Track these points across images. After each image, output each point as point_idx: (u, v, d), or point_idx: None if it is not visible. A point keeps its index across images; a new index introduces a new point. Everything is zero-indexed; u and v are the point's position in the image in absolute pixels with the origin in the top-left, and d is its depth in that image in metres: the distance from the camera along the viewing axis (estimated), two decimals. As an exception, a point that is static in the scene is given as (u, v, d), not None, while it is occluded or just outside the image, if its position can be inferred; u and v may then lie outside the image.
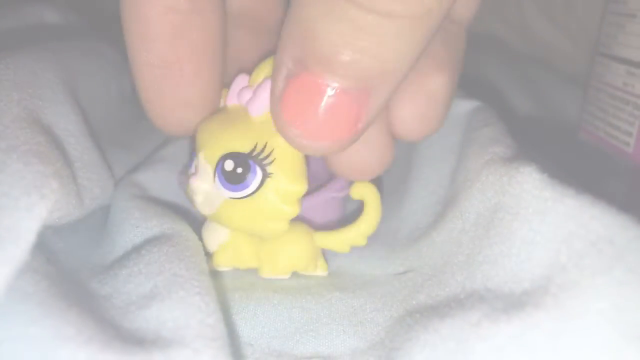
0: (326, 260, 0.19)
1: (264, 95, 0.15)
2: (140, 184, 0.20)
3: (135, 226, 0.17)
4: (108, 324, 0.12)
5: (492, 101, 0.21)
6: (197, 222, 0.19)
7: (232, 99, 0.17)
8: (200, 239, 0.17)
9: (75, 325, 0.11)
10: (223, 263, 0.18)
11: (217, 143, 0.16)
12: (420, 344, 0.13)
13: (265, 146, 0.16)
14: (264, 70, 0.16)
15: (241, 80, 0.17)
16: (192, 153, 0.17)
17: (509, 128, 0.19)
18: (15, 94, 0.17)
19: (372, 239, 0.19)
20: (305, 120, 0.14)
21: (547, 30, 0.33)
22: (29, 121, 0.16)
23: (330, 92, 0.13)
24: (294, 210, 0.16)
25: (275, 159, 0.16)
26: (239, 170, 0.16)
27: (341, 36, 0.12)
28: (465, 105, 0.21)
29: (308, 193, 0.17)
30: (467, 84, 0.21)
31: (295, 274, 0.18)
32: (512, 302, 0.13)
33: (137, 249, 0.16)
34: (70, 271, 0.15)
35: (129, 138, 0.23)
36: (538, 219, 0.14)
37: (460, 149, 0.20)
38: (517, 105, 0.30)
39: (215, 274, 0.18)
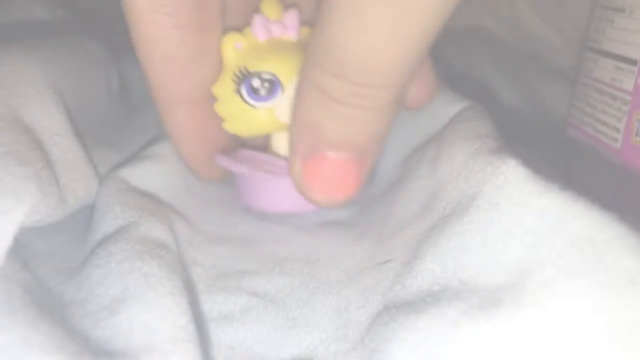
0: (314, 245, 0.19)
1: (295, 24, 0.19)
2: (125, 180, 0.19)
3: (114, 218, 0.17)
4: (79, 334, 0.12)
5: (481, 96, 0.21)
6: (180, 218, 0.18)
7: (265, 34, 0.19)
8: (180, 234, 0.17)
9: (45, 334, 0.11)
10: None
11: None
12: (398, 343, 0.13)
13: None
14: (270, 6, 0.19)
15: (261, 19, 0.19)
16: (274, 86, 0.18)
17: (497, 122, 0.19)
18: (-4, 92, 0.16)
19: (360, 235, 0.19)
20: (321, 188, 0.17)
21: (537, 25, 0.32)
22: (10, 120, 0.16)
23: (340, 163, 0.16)
24: None
25: None
26: None
27: (340, 126, 0.16)
28: (454, 107, 0.21)
29: None
30: (456, 78, 0.21)
31: None
32: (488, 298, 0.13)
33: (111, 246, 0.15)
34: (48, 276, 0.15)
35: (116, 137, 0.23)
36: (519, 211, 0.13)
37: (444, 138, 0.19)
38: (506, 100, 0.30)
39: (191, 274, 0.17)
